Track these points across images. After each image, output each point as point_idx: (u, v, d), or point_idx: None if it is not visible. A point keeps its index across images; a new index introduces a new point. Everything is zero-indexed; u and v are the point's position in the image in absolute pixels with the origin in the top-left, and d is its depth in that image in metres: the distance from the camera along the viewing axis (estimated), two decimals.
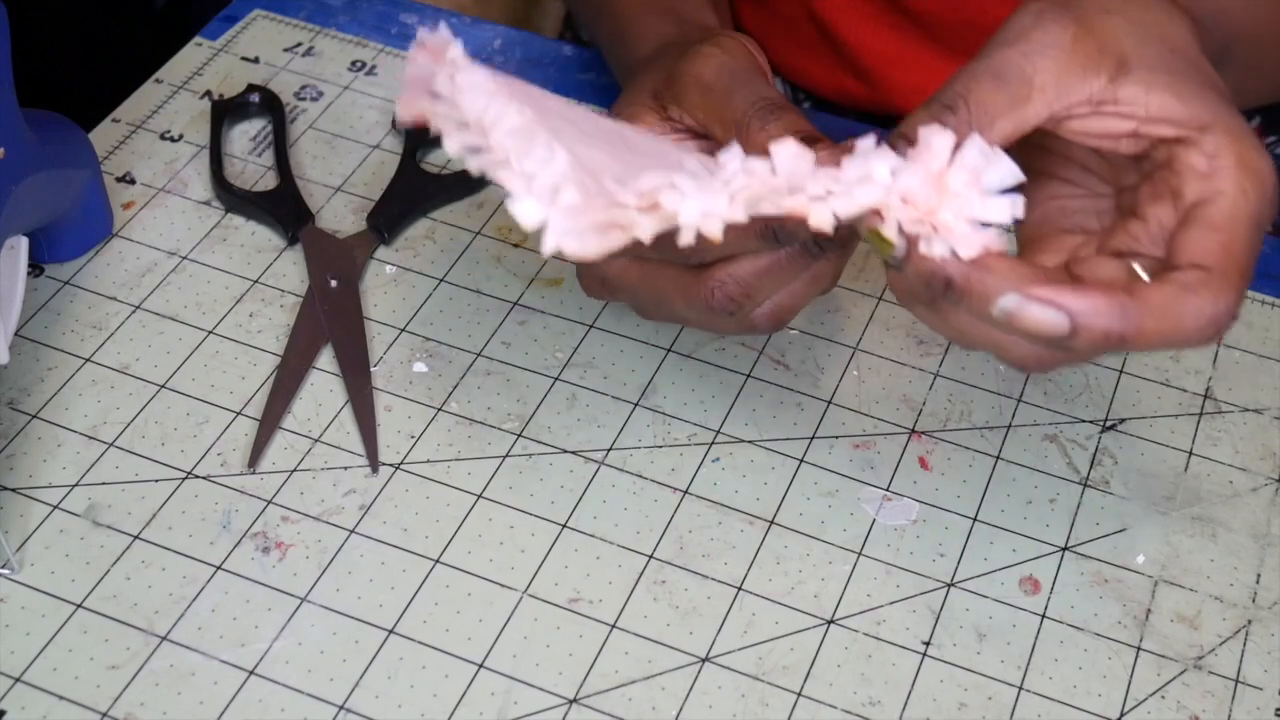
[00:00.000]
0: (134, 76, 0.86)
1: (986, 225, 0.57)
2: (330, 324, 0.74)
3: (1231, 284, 0.58)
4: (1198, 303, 0.57)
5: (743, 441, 0.71)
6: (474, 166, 0.56)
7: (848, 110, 0.95)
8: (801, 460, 0.70)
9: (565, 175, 0.55)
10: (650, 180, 0.55)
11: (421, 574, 0.65)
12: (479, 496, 0.68)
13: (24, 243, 0.70)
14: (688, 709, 0.61)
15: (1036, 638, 0.64)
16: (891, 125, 0.93)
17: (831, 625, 0.65)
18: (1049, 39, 0.60)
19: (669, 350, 0.74)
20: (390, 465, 0.69)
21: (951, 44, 0.89)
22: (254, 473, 0.68)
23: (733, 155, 0.57)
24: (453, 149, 0.57)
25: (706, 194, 0.55)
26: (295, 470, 0.68)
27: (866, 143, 0.58)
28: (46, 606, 0.63)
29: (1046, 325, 0.56)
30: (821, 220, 0.57)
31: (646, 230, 0.55)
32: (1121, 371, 0.74)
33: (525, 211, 0.54)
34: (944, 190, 0.57)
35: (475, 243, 0.79)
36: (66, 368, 0.72)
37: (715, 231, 0.56)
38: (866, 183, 0.57)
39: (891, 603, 0.66)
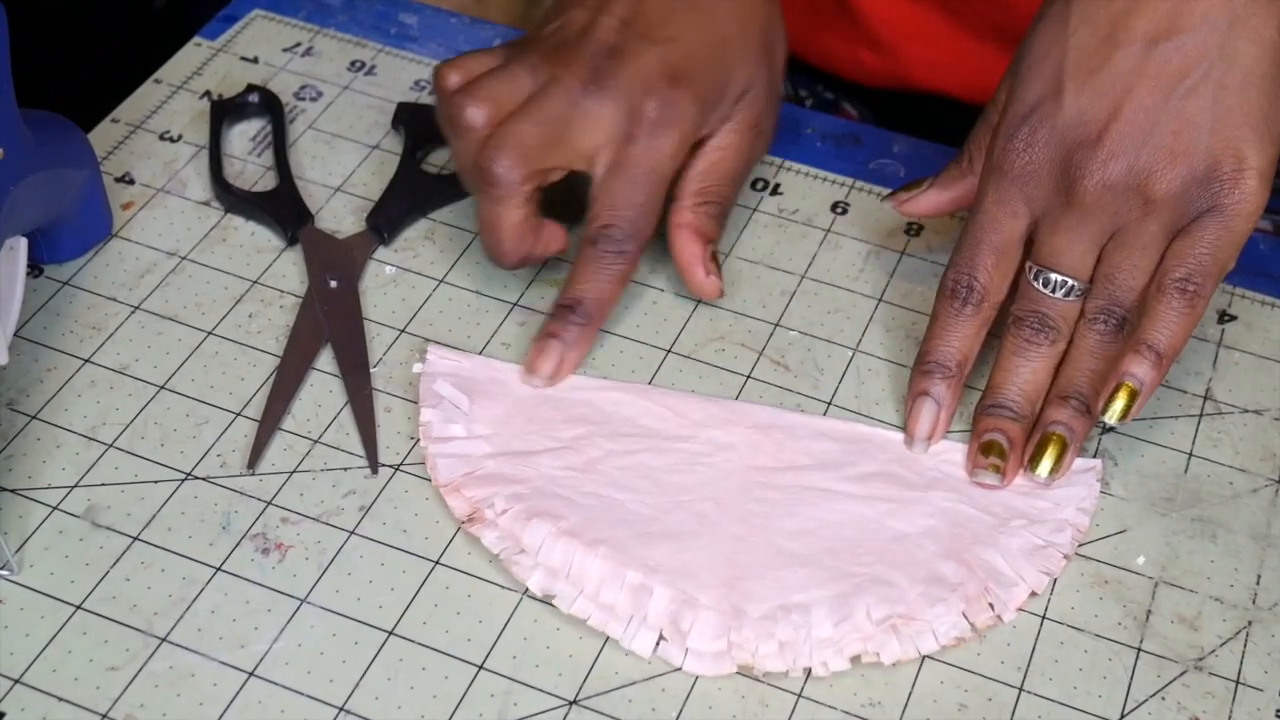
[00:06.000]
0: (133, 76, 0.86)
1: None
2: (330, 324, 0.74)
3: None
4: None
5: None
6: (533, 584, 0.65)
7: (864, 85, 0.96)
8: None
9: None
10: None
11: (421, 575, 0.65)
12: None
13: (23, 243, 0.70)
14: (688, 710, 0.61)
15: (1037, 639, 0.64)
16: (906, 99, 0.94)
17: None
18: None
19: (669, 351, 0.74)
20: (390, 466, 0.69)
21: (967, 16, 0.90)
22: (253, 474, 0.68)
23: None
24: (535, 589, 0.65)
25: None
26: (295, 471, 0.68)
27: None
28: (46, 608, 0.63)
29: None
30: None
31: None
32: None
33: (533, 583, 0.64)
34: None
35: (475, 243, 0.79)
36: (66, 368, 0.72)
37: None
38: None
39: None
